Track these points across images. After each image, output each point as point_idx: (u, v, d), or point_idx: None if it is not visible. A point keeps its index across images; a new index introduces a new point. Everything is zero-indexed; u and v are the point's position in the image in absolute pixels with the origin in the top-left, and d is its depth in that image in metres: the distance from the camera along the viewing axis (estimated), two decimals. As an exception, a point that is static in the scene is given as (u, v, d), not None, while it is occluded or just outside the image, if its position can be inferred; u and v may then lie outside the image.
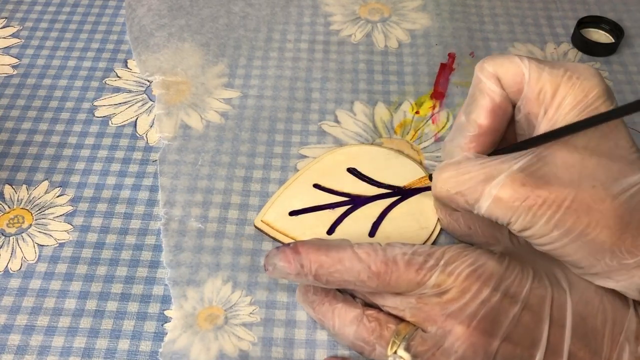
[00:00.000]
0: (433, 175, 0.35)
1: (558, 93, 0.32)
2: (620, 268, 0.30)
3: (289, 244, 0.34)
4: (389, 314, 0.33)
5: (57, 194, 0.41)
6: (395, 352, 0.31)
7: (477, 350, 0.30)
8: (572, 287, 0.32)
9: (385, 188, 0.42)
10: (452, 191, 0.33)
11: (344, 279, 0.32)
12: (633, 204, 0.30)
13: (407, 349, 0.31)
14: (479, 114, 0.34)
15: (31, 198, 0.41)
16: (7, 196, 0.41)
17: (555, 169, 0.30)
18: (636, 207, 0.30)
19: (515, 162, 0.31)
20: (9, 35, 0.52)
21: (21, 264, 0.38)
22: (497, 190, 0.30)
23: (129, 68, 0.50)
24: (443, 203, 0.35)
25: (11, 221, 0.40)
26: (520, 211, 0.30)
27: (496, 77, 0.33)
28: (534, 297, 0.31)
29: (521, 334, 0.30)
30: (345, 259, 0.32)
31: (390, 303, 0.33)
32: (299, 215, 0.40)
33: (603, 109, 0.31)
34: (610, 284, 0.31)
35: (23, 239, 0.39)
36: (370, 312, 0.33)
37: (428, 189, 0.41)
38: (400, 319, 0.33)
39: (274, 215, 0.40)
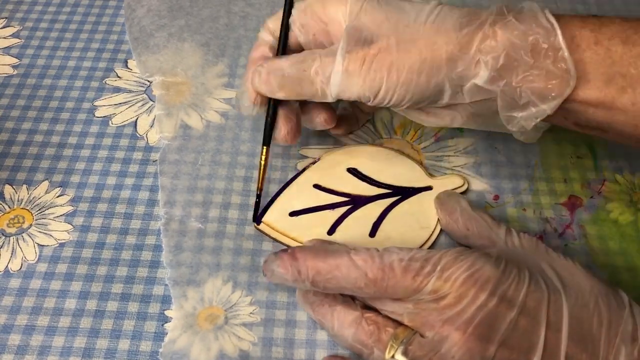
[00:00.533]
0: (252, 74, 0.38)
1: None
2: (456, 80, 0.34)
3: (286, 250, 0.34)
4: (388, 317, 0.33)
5: (57, 194, 0.42)
6: (392, 357, 0.31)
7: (473, 355, 0.30)
8: (567, 289, 0.32)
9: (385, 188, 0.42)
10: (290, 76, 0.37)
11: (341, 285, 0.32)
12: (434, 20, 0.35)
13: (405, 353, 0.31)
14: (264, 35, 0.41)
15: (31, 198, 0.41)
16: (7, 196, 0.41)
17: (371, 29, 0.36)
18: (440, 28, 0.35)
19: (339, 44, 0.36)
20: (9, 35, 0.52)
21: (21, 264, 0.38)
22: (344, 65, 0.35)
23: (129, 68, 0.50)
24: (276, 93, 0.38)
25: (11, 221, 0.40)
26: (367, 73, 0.35)
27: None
28: (530, 301, 0.31)
29: (518, 338, 0.30)
30: (342, 266, 0.32)
31: (388, 308, 0.33)
32: (300, 216, 0.40)
33: None
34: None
35: (23, 239, 0.39)
36: (369, 314, 0.33)
37: (429, 189, 0.41)
38: (398, 323, 0.33)
39: (274, 216, 0.40)
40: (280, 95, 0.38)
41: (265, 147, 0.40)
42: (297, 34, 0.39)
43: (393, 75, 0.34)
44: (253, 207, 0.40)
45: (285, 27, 0.39)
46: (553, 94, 0.33)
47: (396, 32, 0.35)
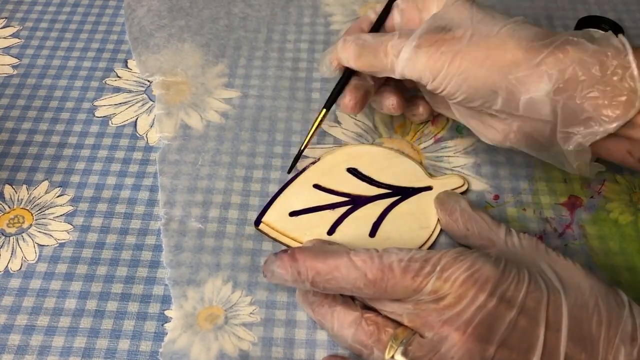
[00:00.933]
0: (341, 43, 0.40)
1: None
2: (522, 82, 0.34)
3: (286, 250, 0.34)
4: (388, 318, 0.33)
5: (57, 194, 0.42)
6: (392, 357, 0.31)
7: (473, 356, 0.30)
8: (566, 289, 0.32)
9: (385, 188, 0.42)
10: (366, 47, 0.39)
11: (341, 286, 0.32)
12: (514, 32, 0.35)
13: (405, 353, 0.31)
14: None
15: (31, 198, 0.41)
16: (7, 196, 0.41)
17: (454, 21, 0.37)
18: (516, 33, 0.35)
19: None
20: (9, 35, 0.52)
21: (21, 264, 0.38)
22: (416, 42, 0.37)
23: (129, 68, 0.50)
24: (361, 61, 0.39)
25: (11, 221, 0.40)
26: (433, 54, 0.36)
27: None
28: (530, 301, 0.31)
29: (517, 338, 0.30)
30: (341, 266, 0.32)
31: (388, 308, 0.33)
32: (299, 216, 0.40)
33: None
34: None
35: (23, 239, 0.39)
36: (368, 315, 0.33)
37: (429, 189, 0.41)
38: (398, 323, 0.33)
39: (274, 216, 0.40)
40: (354, 64, 0.40)
41: (324, 110, 0.42)
42: (395, 17, 0.42)
43: (456, 62, 0.35)
44: (292, 160, 0.42)
45: (387, 9, 0.43)
46: (617, 112, 0.33)
47: (473, 27, 0.36)
